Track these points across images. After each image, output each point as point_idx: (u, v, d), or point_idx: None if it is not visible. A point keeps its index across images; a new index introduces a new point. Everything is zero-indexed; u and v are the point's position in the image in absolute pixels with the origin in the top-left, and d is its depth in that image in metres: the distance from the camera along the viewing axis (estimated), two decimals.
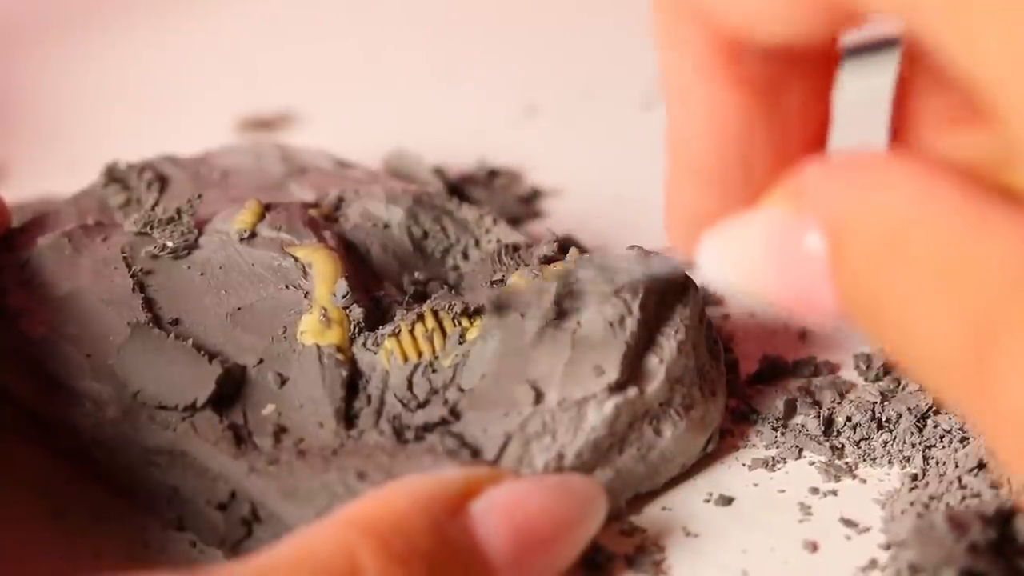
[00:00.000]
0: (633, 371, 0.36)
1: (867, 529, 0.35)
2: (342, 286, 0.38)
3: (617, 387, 0.35)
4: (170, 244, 0.41)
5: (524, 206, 0.50)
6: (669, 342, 0.36)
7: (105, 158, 0.45)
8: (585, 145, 0.54)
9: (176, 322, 0.39)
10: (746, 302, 0.29)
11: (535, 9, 0.65)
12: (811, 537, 0.35)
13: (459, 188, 0.50)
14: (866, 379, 0.40)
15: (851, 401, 0.38)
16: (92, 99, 0.59)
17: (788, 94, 0.27)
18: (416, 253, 0.42)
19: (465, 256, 0.42)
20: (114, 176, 0.45)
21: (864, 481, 0.37)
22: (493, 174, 0.51)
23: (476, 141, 0.53)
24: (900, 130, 0.27)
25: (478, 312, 0.38)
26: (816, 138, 0.28)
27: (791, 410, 0.39)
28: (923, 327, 0.24)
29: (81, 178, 0.45)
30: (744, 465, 0.38)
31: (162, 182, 0.45)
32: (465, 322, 0.38)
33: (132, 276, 0.40)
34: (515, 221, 0.48)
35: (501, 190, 0.51)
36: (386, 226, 0.42)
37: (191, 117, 0.57)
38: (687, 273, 0.32)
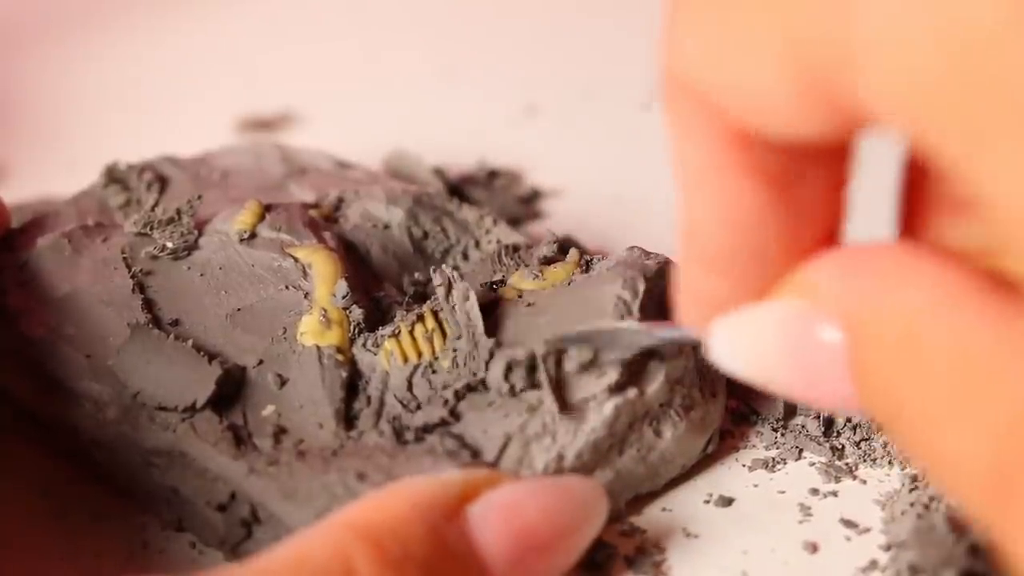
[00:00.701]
0: (633, 372, 0.36)
1: (867, 530, 0.35)
2: (342, 287, 0.38)
3: (617, 388, 0.35)
4: (170, 245, 0.41)
5: (524, 206, 0.50)
6: None
7: (105, 158, 0.45)
8: (585, 145, 0.54)
9: (176, 323, 0.39)
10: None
11: (535, 9, 0.65)
12: (811, 538, 0.35)
13: (459, 188, 0.50)
14: None
15: None
16: (92, 99, 0.59)
17: (802, 185, 0.26)
18: (416, 254, 0.42)
19: (465, 256, 0.42)
20: (114, 176, 0.45)
21: (864, 482, 0.37)
22: (493, 174, 0.51)
23: (476, 141, 0.53)
24: (910, 217, 0.27)
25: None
26: (830, 229, 0.27)
27: (791, 411, 0.39)
28: (945, 436, 0.23)
29: (81, 178, 0.45)
30: (744, 466, 0.38)
31: (162, 183, 0.45)
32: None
33: (132, 277, 0.40)
34: (515, 221, 0.48)
35: (501, 190, 0.51)
36: (386, 227, 0.42)
37: (191, 117, 0.57)
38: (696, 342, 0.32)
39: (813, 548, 0.35)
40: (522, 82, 0.59)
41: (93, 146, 0.51)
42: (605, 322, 0.36)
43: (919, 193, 0.26)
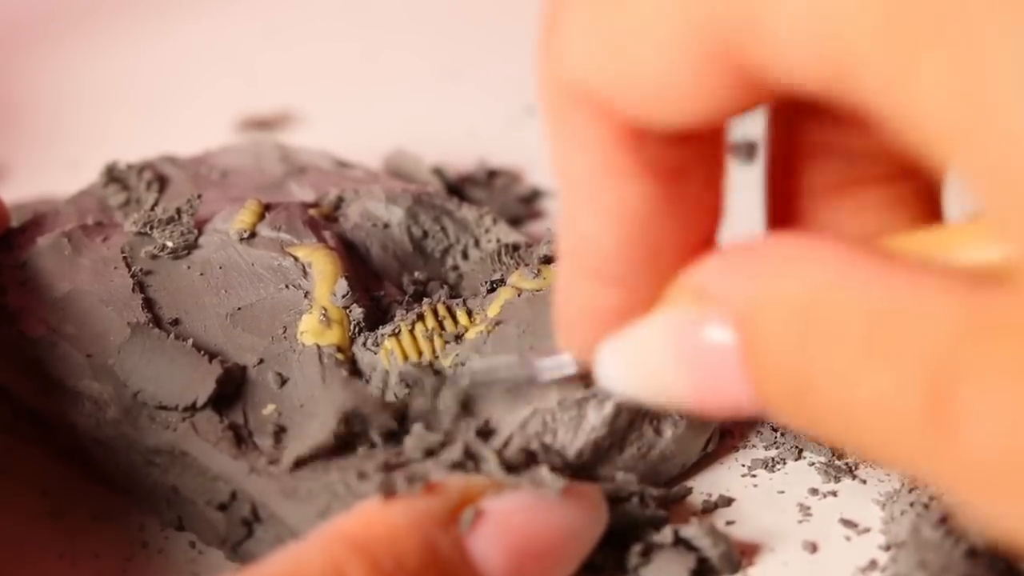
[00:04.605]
0: None
1: (867, 530, 0.35)
2: (342, 286, 0.38)
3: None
4: (170, 244, 0.41)
5: (525, 206, 0.50)
6: None
7: (105, 158, 0.45)
8: None
9: (176, 322, 0.39)
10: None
11: (535, 9, 0.65)
12: (811, 538, 0.35)
13: (459, 188, 0.50)
14: None
15: None
16: (92, 99, 0.59)
17: (688, 181, 0.26)
18: (416, 253, 0.42)
19: (465, 256, 0.42)
20: (114, 176, 0.45)
21: (864, 482, 0.37)
22: (493, 174, 0.51)
23: (476, 141, 0.53)
24: (778, 210, 0.27)
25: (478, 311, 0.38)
26: (711, 229, 0.27)
27: None
28: (862, 397, 0.23)
29: (81, 178, 0.45)
30: (744, 465, 0.38)
31: (162, 182, 0.45)
32: (465, 321, 0.38)
33: (132, 276, 0.40)
34: (516, 221, 0.48)
35: (501, 190, 0.51)
36: (386, 226, 0.42)
37: (191, 117, 0.57)
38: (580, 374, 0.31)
39: (813, 548, 0.35)
40: (522, 82, 0.59)
41: (93, 146, 0.51)
42: (479, 361, 0.35)
43: (791, 179, 0.27)
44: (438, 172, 0.49)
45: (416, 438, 0.34)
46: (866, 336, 0.23)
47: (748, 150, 0.52)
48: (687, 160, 0.26)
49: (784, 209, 0.27)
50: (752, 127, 0.54)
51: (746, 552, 0.34)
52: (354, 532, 0.30)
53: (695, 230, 0.27)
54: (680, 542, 0.34)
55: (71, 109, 0.58)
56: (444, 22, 0.65)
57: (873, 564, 0.34)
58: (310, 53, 0.62)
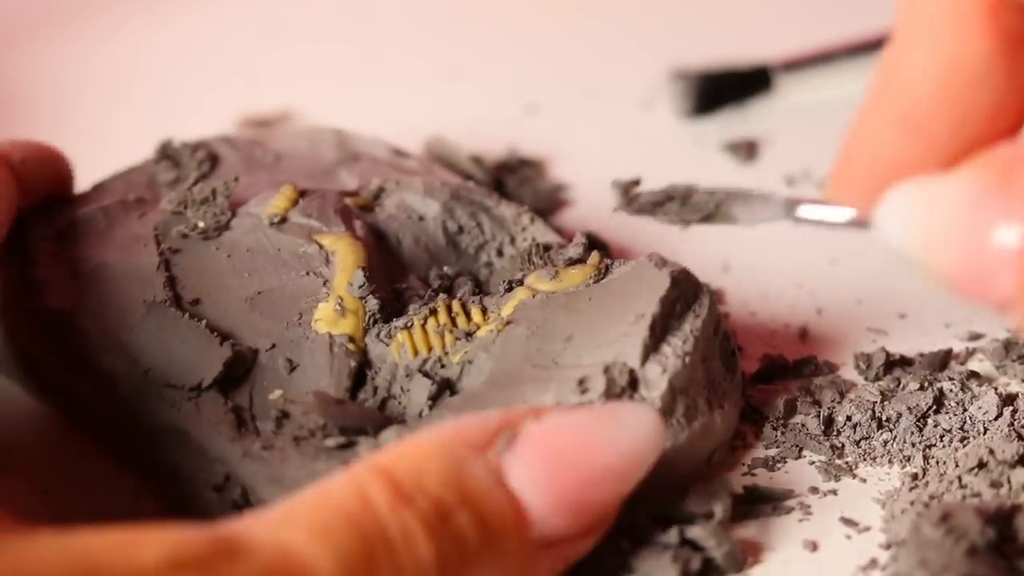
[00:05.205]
0: (634, 379, 0.35)
1: (867, 529, 0.35)
2: (359, 276, 0.38)
3: (615, 395, 0.35)
4: (201, 224, 0.41)
5: (551, 196, 0.50)
6: (674, 352, 0.36)
7: (105, 157, 0.45)
8: (585, 145, 0.54)
9: (196, 302, 0.39)
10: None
11: (535, 9, 0.65)
12: (811, 537, 0.35)
13: (499, 178, 0.50)
14: (866, 378, 0.40)
15: (851, 400, 0.38)
16: (92, 97, 0.59)
17: None
18: (449, 247, 0.42)
19: (500, 253, 0.42)
20: (166, 153, 0.45)
21: (864, 481, 0.37)
22: (523, 163, 0.52)
23: (476, 140, 0.53)
24: None
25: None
26: None
27: (791, 410, 0.39)
28: None
29: (81, 178, 0.45)
30: (744, 465, 0.38)
31: (213, 162, 0.45)
32: (479, 319, 0.38)
33: (160, 254, 0.40)
34: (542, 213, 0.48)
35: (527, 181, 0.51)
36: (421, 218, 0.42)
37: (191, 116, 0.57)
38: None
39: (813, 547, 0.35)
40: (522, 82, 0.59)
41: (93, 145, 0.51)
42: (746, 189, 0.34)
43: None
44: (476, 161, 0.49)
45: (388, 433, 0.34)
46: None
47: (748, 149, 0.52)
48: None
49: None
50: (753, 126, 0.54)
51: (747, 551, 0.34)
52: (381, 459, 0.30)
53: (1015, 107, 0.26)
54: (686, 542, 0.34)
55: (71, 107, 0.58)
56: (444, 22, 0.65)
57: (874, 563, 0.34)
58: (310, 53, 0.63)
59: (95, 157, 0.46)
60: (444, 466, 0.30)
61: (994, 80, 0.26)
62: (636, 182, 0.36)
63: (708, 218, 0.34)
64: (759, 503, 0.35)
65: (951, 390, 0.38)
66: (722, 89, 0.54)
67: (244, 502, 0.35)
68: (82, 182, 0.45)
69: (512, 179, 0.50)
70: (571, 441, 0.31)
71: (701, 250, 0.45)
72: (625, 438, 0.31)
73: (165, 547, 0.26)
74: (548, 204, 0.50)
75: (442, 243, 0.42)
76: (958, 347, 0.41)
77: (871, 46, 0.55)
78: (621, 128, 0.55)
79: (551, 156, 0.53)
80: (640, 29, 0.62)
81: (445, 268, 0.41)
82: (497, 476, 0.30)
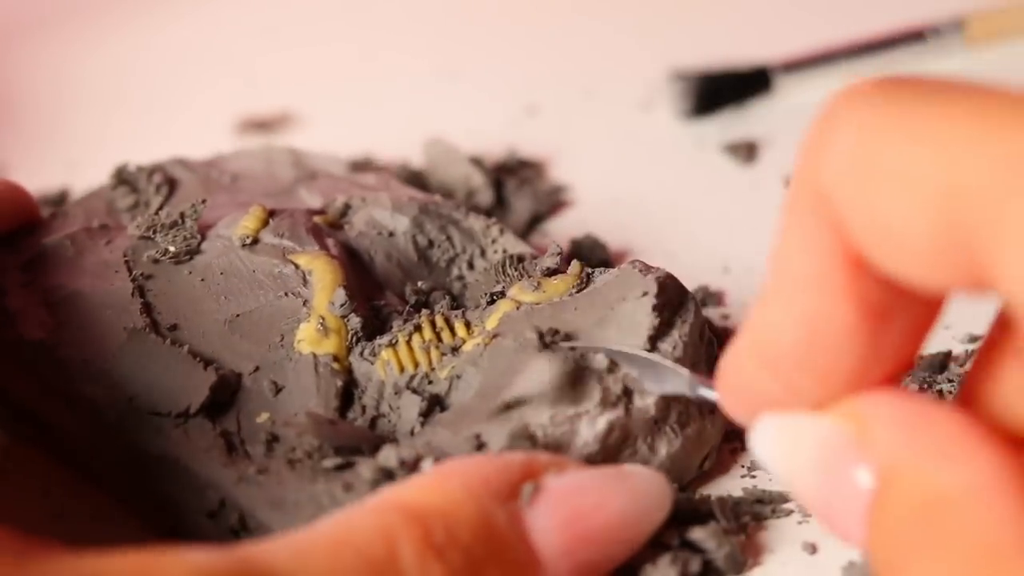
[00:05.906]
0: (627, 387, 0.35)
1: None
2: (340, 295, 0.38)
3: (610, 403, 0.35)
4: (172, 249, 0.40)
5: (550, 198, 0.50)
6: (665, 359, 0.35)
7: (105, 158, 0.45)
8: (584, 146, 0.54)
9: (174, 327, 0.38)
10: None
11: (535, 9, 0.65)
12: (810, 539, 0.35)
13: (499, 179, 0.50)
14: None
15: None
16: (92, 99, 0.59)
17: (891, 325, 0.26)
18: (420, 262, 0.42)
19: (471, 266, 0.42)
20: (123, 178, 0.44)
21: None
22: (523, 164, 0.52)
23: (476, 141, 0.53)
24: (973, 387, 0.27)
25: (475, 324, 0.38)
26: (901, 366, 0.27)
27: None
28: None
29: (81, 178, 0.45)
30: (744, 466, 0.38)
31: (171, 185, 0.45)
32: (463, 333, 0.38)
33: (132, 280, 0.39)
34: (537, 218, 0.48)
35: (528, 181, 0.51)
36: (391, 234, 0.42)
37: (191, 117, 0.57)
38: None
39: (812, 549, 0.35)
40: (522, 82, 0.59)
41: (93, 146, 0.51)
42: (655, 356, 0.35)
43: (995, 351, 0.27)
44: (477, 162, 0.49)
45: (387, 452, 0.34)
46: (968, 569, 0.23)
47: (748, 150, 0.52)
48: (898, 306, 0.26)
49: (978, 390, 0.27)
50: (752, 127, 0.54)
51: (746, 553, 0.34)
52: (409, 501, 0.29)
53: (879, 367, 0.27)
54: (685, 544, 0.34)
55: (70, 109, 0.58)
56: (444, 22, 0.65)
57: None
58: (310, 53, 0.63)
59: (95, 157, 0.46)
60: (475, 517, 0.30)
61: (856, 349, 0.26)
62: None
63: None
64: (758, 505, 0.35)
65: (950, 392, 0.38)
66: (721, 90, 0.54)
67: (242, 528, 0.34)
68: (82, 182, 0.45)
69: (512, 180, 0.50)
70: (588, 503, 0.31)
71: (701, 251, 0.45)
72: (637, 502, 0.32)
73: (188, 570, 0.26)
74: (548, 205, 0.50)
75: (414, 258, 0.42)
76: (957, 349, 0.41)
77: (871, 46, 0.55)
78: (621, 129, 0.55)
79: (551, 157, 0.53)
80: (640, 30, 0.62)
81: (420, 283, 0.41)
82: (521, 530, 0.30)
